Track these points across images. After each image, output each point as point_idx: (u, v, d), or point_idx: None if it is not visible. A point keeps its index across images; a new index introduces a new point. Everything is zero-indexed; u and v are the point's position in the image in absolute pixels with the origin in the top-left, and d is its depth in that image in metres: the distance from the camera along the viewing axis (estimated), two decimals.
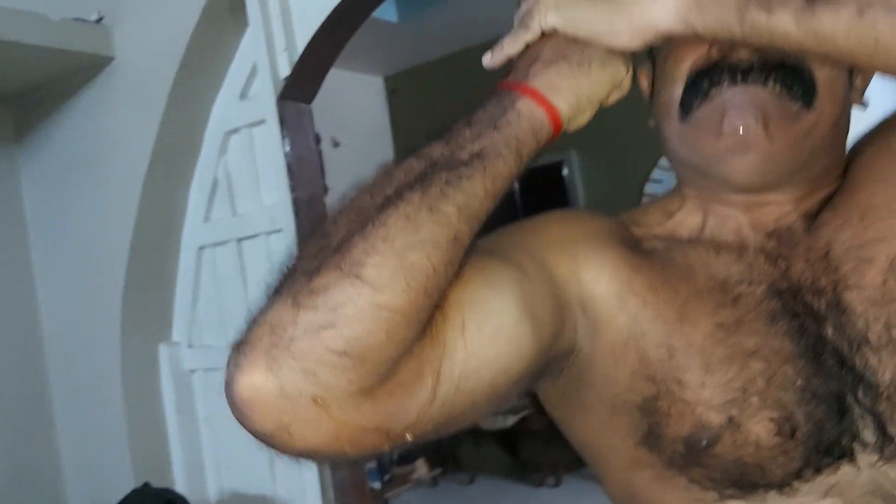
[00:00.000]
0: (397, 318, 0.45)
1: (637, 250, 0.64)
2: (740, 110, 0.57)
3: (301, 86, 2.17)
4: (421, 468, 4.96)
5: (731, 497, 0.56)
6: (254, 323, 0.47)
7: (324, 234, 0.49)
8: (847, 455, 0.55)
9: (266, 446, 0.47)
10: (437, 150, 0.52)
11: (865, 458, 0.55)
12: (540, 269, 0.58)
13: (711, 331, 0.58)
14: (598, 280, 0.61)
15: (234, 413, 0.48)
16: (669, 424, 0.57)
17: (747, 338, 0.57)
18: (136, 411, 2.49)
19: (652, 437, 0.58)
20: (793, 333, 0.58)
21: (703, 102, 0.59)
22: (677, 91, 0.62)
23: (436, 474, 5.06)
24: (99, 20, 2.31)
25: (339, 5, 2.01)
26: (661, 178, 4.54)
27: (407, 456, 4.97)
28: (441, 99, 5.49)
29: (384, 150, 5.71)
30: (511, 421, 4.71)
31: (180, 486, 2.51)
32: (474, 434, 4.93)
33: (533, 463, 4.81)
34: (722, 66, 0.58)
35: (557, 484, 4.57)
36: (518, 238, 0.60)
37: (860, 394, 0.56)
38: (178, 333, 2.58)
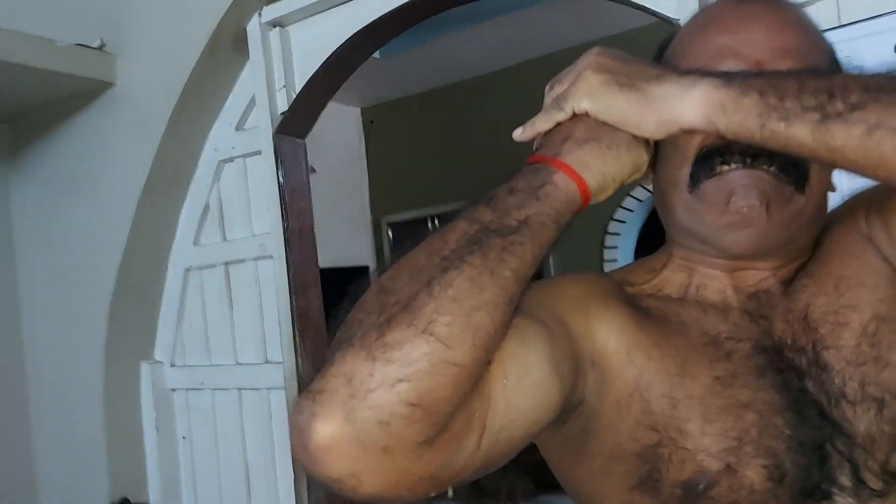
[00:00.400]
0: (464, 373, 0.48)
1: (637, 309, 0.68)
2: (747, 191, 0.62)
3: (297, 121, 2.28)
4: None
5: None
6: (327, 373, 0.47)
7: (384, 290, 0.51)
8: (827, 498, 0.60)
9: (332, 490, 0.48)
10: (485, 215, 0.55)
11: (843, 501, 0.60)
12: (561, 326, 0.62)
13: (710, 383, 0.62)
14: (608, 336, 0.65)
15: (303, 459, 0.47)
16: (670, 470, 0.61)
17: (741, 390, 0.62)
18: (116, 427, 2.53)
19: (649, 482, 0.62)
20: (779, 387, 0.62)
21: (712, 178, 0.64)
22: (687, 163, 0.66)
23: None
24: (101, 47, 2.40)
25: (338, 49, 2.14)
26: (625, 220, 4.73)
27: None
28: (415, 132, 5.64)
29: (359, 178, 5.82)
30: None
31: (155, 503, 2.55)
32: None
33: (490, 490, 4.87)
34: (733, 147, 0.62)
35: None
36: (540, 298, 0.62)
37: (838, 443, 0.60)
38: (160, 352, 2.64)
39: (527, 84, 5.03)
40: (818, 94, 0.55)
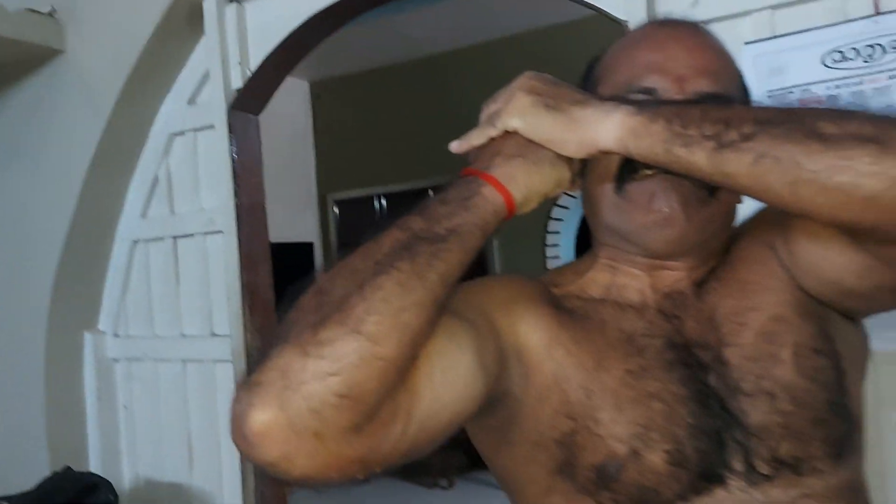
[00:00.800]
0: (390, 367, 0.52)
1: (560, 308, 0.74)
2: (667, 193, 0.68)
3: (252, 98, 2.30)
4: None
5: None
6: (264, 367, 0.51)
7: (321, 291, 0.55)
8: (721, 481, 0.65)
9: (267, 472, 0.52)
10: (416, 224, 0.59)
11: (735, 484, 0.65)
12: (488, 324, 0.67)
13: (622, 376, 0.68)
14: (531, 333, 0.71)
15: (240, 444, 0.51)
16: (585, 455, 0.66)
17: (650, 383, 0.67)
18: (57, 396, 2.53)
19: (567, 467, 0.67)
20: (685, 380, 0.68)
21: (636, 181, 0.70)
22: (614, 168, 0.71)
23: None
24: (51, 13, 2.36)
25: (297, 28, 2.16)
26: (562, 217, 4.86)
27: None
28: (364, 109, 5.63)
29: (305, 153, 5.80)
30: None
31: (95, 472, 2.56)
32: None
33: (426, 465, 4.98)
34: None
35: (449, 486, 4.75)
36: (469, 298, 0.66)
37: (735, 432, 0.66)
38: (104, 323, 2.64)
39: (477, 67, 5.10)
40: (717, 124, 0.61)
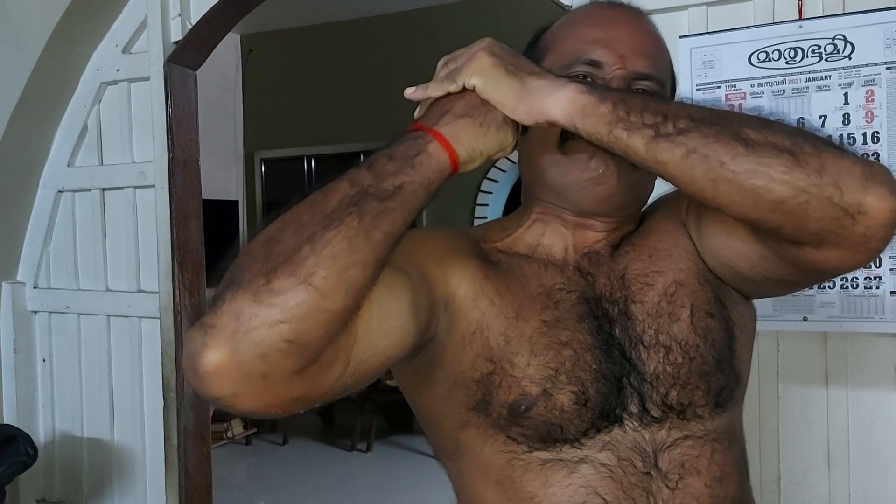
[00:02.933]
0: (335, 318, 0.57)
1: (487, 262, 0.80)
2: (604, 155, 0.75)
3: (191, 52, 2.25)
4: (236, 427, 5.03)
5: (537, 449, 0.73)
6: (218, 310, 0.55)
7: (271, 240, 0.58)
8: (619, 421, 0.73)
9: (214, 405, 0.57)
10: (365, 179, 0.62)
11: (630, 424, 0.74)
12: (421, 276, 0.73)
13: (538, 326, 0.75)
14: (460, 285, 0.77)
15: (192, 380, 0.56)
16: (500, 394, 0.73)
17: (562, 332, 0.74)
18: None
19: (483, 404, 0.74)
20: (593, 331, 0.75)
21: (577, 140, 0.74)
22: (558, 128, 0.74)
23: (250, 434, 5.16)
24: None
25: None
26: (498, 179, 4.96)
27: (223, 414, 5.05)
28: (297, 67, 5.54)
29: (233, 108, 5.66)
30: None
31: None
32: None
33: (346, 428, 5.05)
34: None
35: (368, 449, 4.83)
36: (405, 249, 0.68)
37: (633, 378, 0.74)
38: (23, 273, 2.56)
39: (413, 33, 5.09)
40: (657, 116, 0.67)
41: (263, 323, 0.54)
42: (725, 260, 0.78)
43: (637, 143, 0.67)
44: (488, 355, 0.75)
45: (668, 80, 0.83)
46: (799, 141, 0.65)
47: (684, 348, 0.76)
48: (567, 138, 0.76)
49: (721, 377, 0.76)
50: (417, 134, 0.67)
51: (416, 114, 0.74)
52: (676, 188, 0.75)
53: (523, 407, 0.73)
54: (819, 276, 0.78)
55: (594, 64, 0.78)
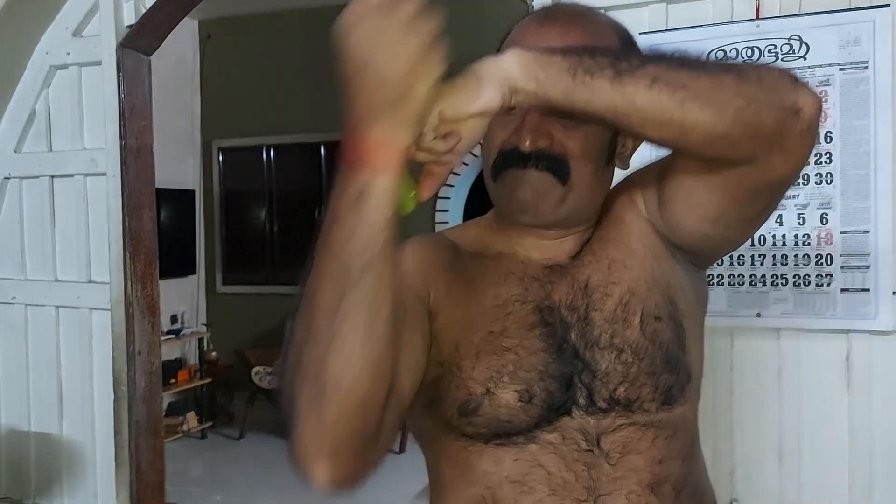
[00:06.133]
0: (378, 403, 0.68)
1: (452, 271, 0.86)
2: (524, 188, 0.81)
3: (145, 37, 2.19)
4: (191, 420, 4.96)
5: (494, 442, 0.80)
6: (298, 440, 0.66)
7: (300, 355, 0.66)
8: (568, 412, 0.80)
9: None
10: (330, 268, 0.64)
11: (577, 413, 0.80)
12: (418, 301, 0.82)
13: (485, 336, 0.81)
14: (435, 296, 0.84)
15: (302, 476, 0.68)
16: (449, 395, 0.80)
17: (507, 340, 0.81)
18: None
19: (434, 404, 0.81)
20: (544, 336, 0.81)
21: (505, 174, 0.83)
22: (491, 159, 0.84)
23: (205, 427, 5.08)
24: None
25: None
26: (460, 172, 4.95)
27: (178, 407, 4.96)
28: (256, 55, 5.44)
29: (191, 95, 5.55)
30: None
31: None
32: (249, 391, 5.01)
33: None
34: (518, 153, 0.81)
35: None
36: (401, 280, 0.74)
37: (583, 376, 0.80)
38: None
39: None
40: (607, 58, 0.70)
41: (330, 436, 0.66)
42: (688, 226, 0.84)
43: (603, 84, 0.68)
44: (439, 359, 0.81)
45: None
46: (733, 63, 0.76)
47: (635, 350, 0.82)
48: (500, 169, 0.82)
49: (669, 376, 0.82)
50: (352, 167, 0.63)
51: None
52: (632, 137, 0.83)
53: (471, 406, 0.79)
54: (770, 192, 0.82)
55: None
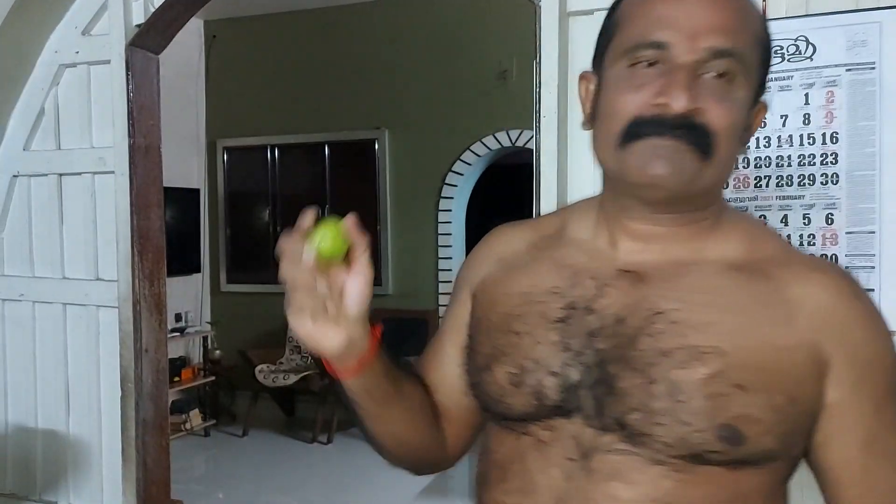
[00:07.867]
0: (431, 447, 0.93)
1: (508, 259, 0.88)
2: (662, 161, 0.71)
3: (153, 36, 2.21)
4: (195, 418, 4.97)
5: (501, 423, 0.82)
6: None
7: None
8: (566, 415, 0.76)
9: None
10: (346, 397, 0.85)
11: (578, 419, 0.75)
12: (466, 292, 0.91)
13: (502, 316, 0.83)
14: (478, 283, 0.89)
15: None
16: (469, 365, 0.86)
17: (520, 325, 0.80)
18: None
19: (467, 368, 0.88)
20: (561, 333, 0.77)
21: (639, 141, 0.72)
22: (621, 124, 0.73)
23: (209, 425, 5.09)
24: None
25: None
26: (464, 172, 4.96)
27: (181, 405, 4.97)
28: (260, 55, 5.45)
29: (196, 95, 5.57)
30: (292, 380, 4.87)
31: None
32: (252, 389, 5.03)
33: (307, 420, 5.01)
34: (657, 120, 0.71)
35: (329, 441, 4.80)
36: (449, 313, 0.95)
37: (597, 386, 0.74)
38: None
39: (377, 22, 5.05)
40: None
41: (400, 465, 0.94)
42: (817, 455, 0.77)
43: None
44: (469, 332, 0.88)
45: (752, 51, 0.74)
46: None
47: (672, 389, 0.71)
48: (629, 140, 0.73)
49: (707, 436, 0.70)
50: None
51: None
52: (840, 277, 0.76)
53: (474, 378, 0.84)
54: None
55: (658, 46, 0.72)
